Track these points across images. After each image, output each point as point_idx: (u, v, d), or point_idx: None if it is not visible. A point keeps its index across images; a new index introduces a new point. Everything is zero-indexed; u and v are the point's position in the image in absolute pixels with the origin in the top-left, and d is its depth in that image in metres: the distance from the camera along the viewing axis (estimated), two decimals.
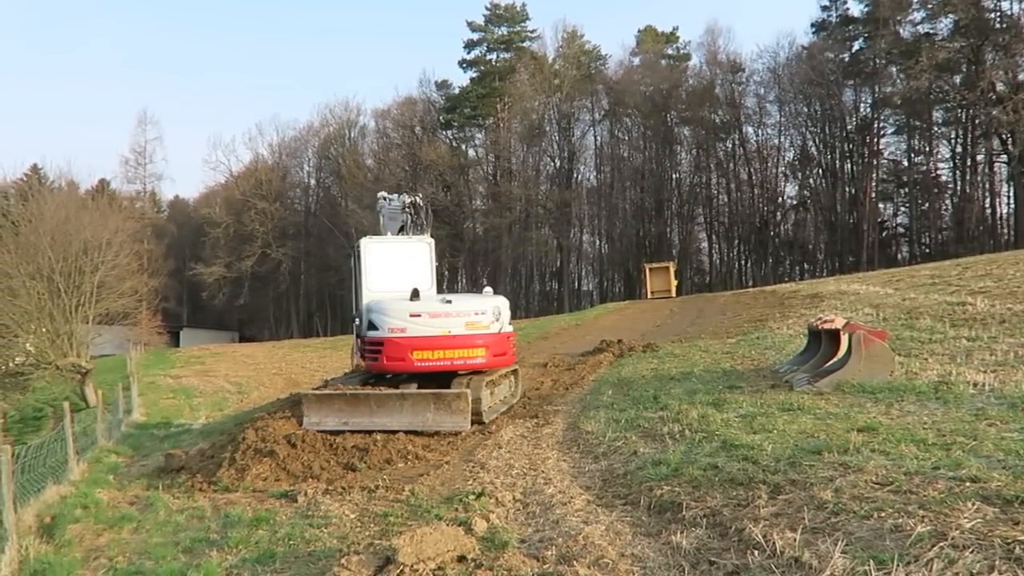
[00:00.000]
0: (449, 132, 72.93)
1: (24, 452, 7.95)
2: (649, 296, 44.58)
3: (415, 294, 10.85)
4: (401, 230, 13.04)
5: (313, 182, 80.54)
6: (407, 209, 12.73)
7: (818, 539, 4.56)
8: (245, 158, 78.26)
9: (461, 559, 5.19)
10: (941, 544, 4.04)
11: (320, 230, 70.16)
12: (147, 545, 6.58)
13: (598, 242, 71.65)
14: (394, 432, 9.65)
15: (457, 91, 72.07)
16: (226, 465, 8.69)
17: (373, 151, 73.97)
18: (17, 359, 24.79)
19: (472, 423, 10.02)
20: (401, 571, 4.91)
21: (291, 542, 6.16)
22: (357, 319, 11.75)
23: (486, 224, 66.39)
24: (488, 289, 12.45)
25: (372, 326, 10.91)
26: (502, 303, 11.36)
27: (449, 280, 72.44)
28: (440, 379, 10.77)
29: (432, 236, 12.66)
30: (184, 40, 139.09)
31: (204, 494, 7.98)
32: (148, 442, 13.76)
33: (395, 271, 11.72)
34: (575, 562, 4.94)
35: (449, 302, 10.81)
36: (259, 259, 67.37)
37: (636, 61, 69.47)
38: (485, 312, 10.88)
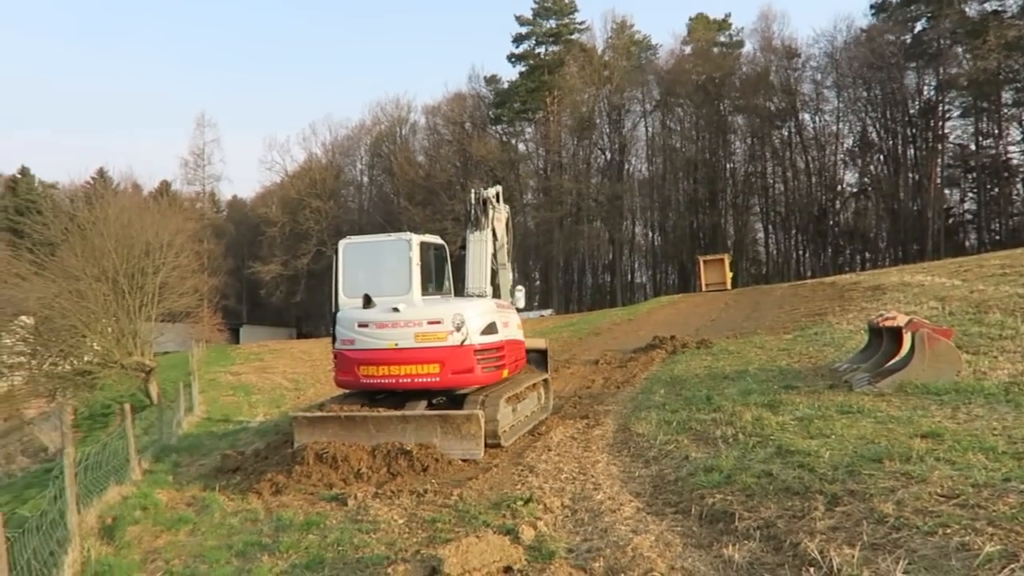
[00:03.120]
0: (499, 127, 72.95)
1: (86, 455, 8.18)
2: (703, 289, 43.96)
3: (367, 301, 9.60)
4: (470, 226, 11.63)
5: (366, 180, 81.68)
6: (471, 203, 11.50)
7: (878, 556, 4.36)
8: (299, 158, 79.83)
9: (507, 570, 5.14)
10: (1012, 566, 3.82)
11: (373, 227, 70.91)
12: (202, 548, 6.70)
13: (651, 234, 70.94)
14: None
15: (506, 86, 71.99)
16: (279, 468, 8.78)
17: (424, 148, 74.50)
18: (85, 358, 25.66)
19: (488, 447, 8.96)
20: None
21: (340, 548, 6.19)
22: (332, 328, 10.33)
23: (537, 218, 66.27)
24: (520, 288, 11.59)
25: (334, 337, 9.96)
26: (473, 309, 9.73)
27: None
28: (454, 396, 9.78)
29: (485, 231, 11.23)
30: (238, 43, 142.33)
31: (258, 496, 8.09)
32: (207, 440, 14.06)
33: (373, 275, 10.13)
34: (623, 575, 4.84)
35: (397, 310, 9.40)
36: (314, 257, 68.45)
37: (687, 50, 68.38)
38: (441, 321, 9.32)
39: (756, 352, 15.35)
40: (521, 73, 71.66)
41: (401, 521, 6.78)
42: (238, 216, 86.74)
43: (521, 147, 73.59)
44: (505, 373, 10.12)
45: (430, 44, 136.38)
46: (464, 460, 8.62)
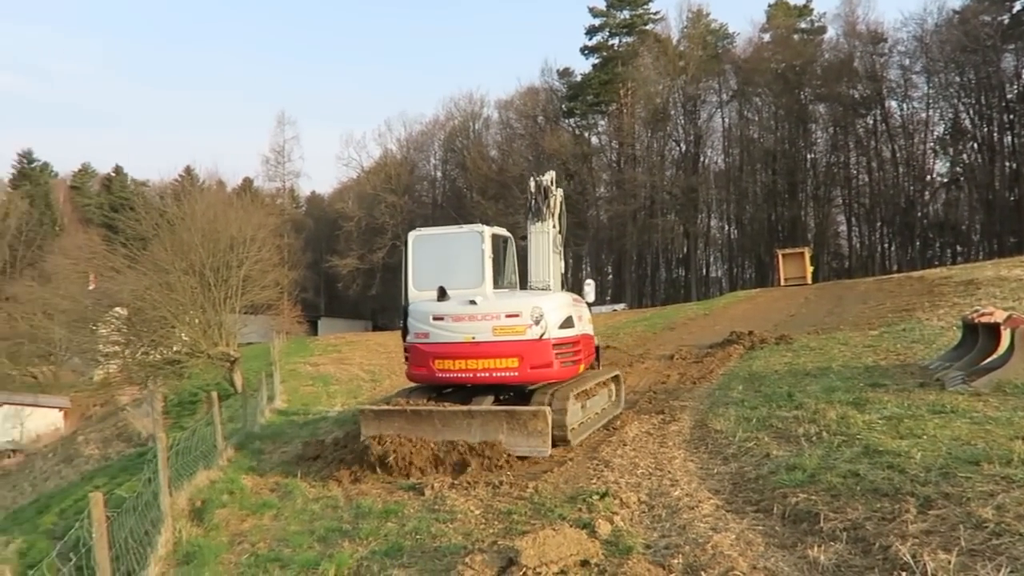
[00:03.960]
0: (572, 120, 72.57)
1: (177, 440, 8.54)
2: (782, 283, 42.76)
3: (442, 294, 9.46)
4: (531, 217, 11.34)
5: (439, 175, 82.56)
6: (531, 193, 11.17)
7: (976, 563, 4.16)
8: (375, 154, 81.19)
9: (584, 564, 5.11)
10: None
11: (447, 222, 71.63)
12: (285, 532, 6.91)
13: (727, 227, 69.39)
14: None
15: (579, 78, 71.52)
16: (357, 456, 8.93)
17: (497, 142, 74.80)
18: (174, 348, 26.83)
19: (557, 444, 8.73)
20: (524, 574, 4.89)
21: (418, 536, 6.29)
22: (403, 322, 10.20)
23: (610, 212, 65.68)
24: (590, 282, 11.07)
25: (406, 330, 9.83)
26: (550, 302, 9.50)
27: (573, 269, 72.37)
28: (522, 390, 9.53)
29: (547, 222, 10.90)
30: (316, 43, 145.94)
31: (338, 484, 8.28)
32: (288, 428, 14.47)
33: (444, 267, 9.85)
34: (703, 573, 4.75)
35: (474, 303, 9.20)
36: (389, 251, 69.63)
37: (766, 37, 66.44)
38: (519, 314, 9.10)
39: (839, 348, 14.83)
40: (594, 65, 71.09)
41: (477, 512, 6.84)
42: (316, 211, 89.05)
43: (594, 140, 73.06)
44: (581, 368, 9.97)
45: (503, 39, 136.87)
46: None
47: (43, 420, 36.23)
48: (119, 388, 32.35)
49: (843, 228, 65.28)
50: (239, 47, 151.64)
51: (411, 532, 6.40)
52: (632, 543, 5.45)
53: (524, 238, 11.07)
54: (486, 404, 9.08)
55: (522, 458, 8.49)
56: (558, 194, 11.33)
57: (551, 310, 9.29)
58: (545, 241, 10.90)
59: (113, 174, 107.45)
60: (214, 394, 11.06)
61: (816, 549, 4.92)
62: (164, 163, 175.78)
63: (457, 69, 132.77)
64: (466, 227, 10.29)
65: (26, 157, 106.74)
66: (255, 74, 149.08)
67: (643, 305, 58.66)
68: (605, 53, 70.44)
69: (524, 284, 10.95)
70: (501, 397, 9.83)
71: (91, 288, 35.22)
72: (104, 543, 5.02)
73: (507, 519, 6.54)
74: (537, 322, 9.06)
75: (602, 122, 72.52)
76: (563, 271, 11.99)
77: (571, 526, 5.60)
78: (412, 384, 10.39)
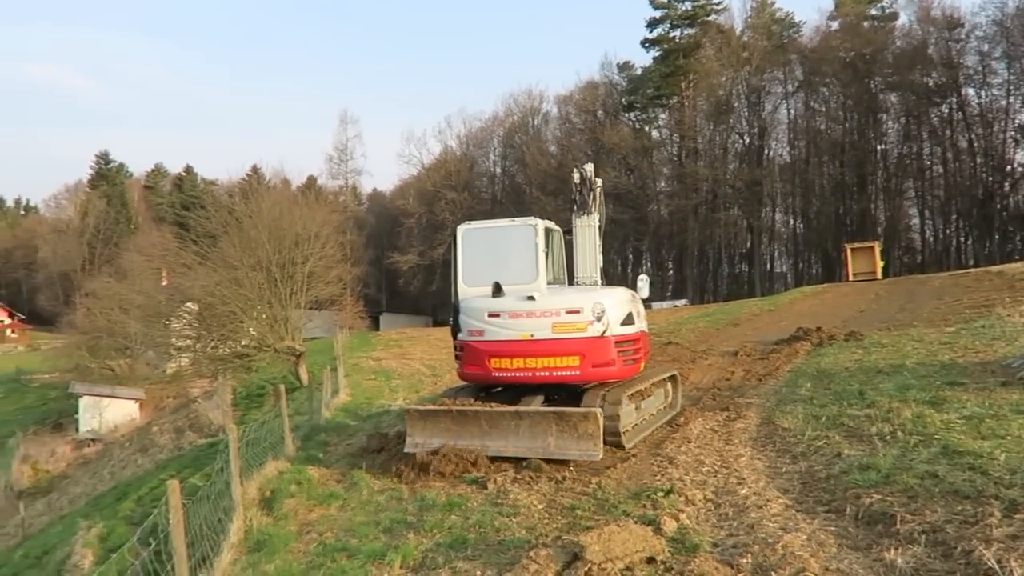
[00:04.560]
0: (632, 114, 71.90)
1: (247, 432, 8.77)
2: (851, 278, 41.55)
3: (497, 289, 9.01)
4: (574, 209, 10.86)
5: (499, 171, 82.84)
6: (575, 186, 10.78)
7: None
8: (435, 150, 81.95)
9: (650, 560, 5.05)
10: None
11: (505, 217, 71.88)
12: (352, 523, 7.03)
13: (792, 221, 67.77)
14: (502, 464, 8.20)
15: (639, 72, 70.81)
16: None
17: (556, 137, 74.61)
18: (243, 342, 27.61)
19: (609, 446, 8.31)
20: (589, 569, 4.86)
21: (482, 529, 6.32)
22: (452, 319, 9.80)
23: (671, 206, 64.86)
24: (644, 277, 10.34)
25: (458, 327, 9.45)
26: (611, 298, 9.08)
27: (632, 264, 71.73)
28: (574, 390, 9.06)
29: (593, 215, 10.52)
30: (377, 42, 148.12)
31: (401, 477, 8.36)
32: (352, 421, 14.72)
33: (495, 261, 9.44)
34: (773, 573, 4.64)
35: (532, 298, 8.84)
36: (449, 247, 70.33)
37: (834, 26, 64.48)
38: (580, 311, 8.71)
39: (913, 345, 14.30)
40: (655, 58, 70.23)
41: (540, 507, 6.83)
42: (378, 208, 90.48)
43: (654, 134, 72.25)
44: (641, 367, 9.67)
45: (563, 34, 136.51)
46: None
47: (120, 411, 37.70)
48: (190, 381, 33.55)
49: (915, 221, 63.02)
50: (303, 49, 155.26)
51: (475, 525, 6.43)
52: (699, 541, 5.36)
53: (568, 232, 10.69)
54: (535, 405, 8.73)
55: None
56: (599, 186, 10.96)
57: (612, 306, 8.92)
58: (592, 235, 10.53)
59: (184, 174, 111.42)
60: (282, 387, 11.32)
61: (893, 552, 4.74)
62: (232, 162, 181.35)
63: (516, 65, 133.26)
64: (518, 220, 9.87)
65: (103, 158, 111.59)
66: (319, 74, 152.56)
67: (705, 301, 57.75)
68: (666, 45, 69.47)
69: (570, 280, 10.61)
70: (552, 398, 9.39)
71: (164, 284, 36.58)
72: (181, 529, 5.18)
73: (570, 514, 6.51)
74: (599, 318, 8.69)
75: (663, 115, 71.70)
76: (602, 266, 11.53)
77: (636, 522, 5.53)
78: (461, 383, 10.13)
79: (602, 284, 10.48)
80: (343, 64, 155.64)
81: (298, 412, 17.53)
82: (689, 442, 8.79)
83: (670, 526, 5.67)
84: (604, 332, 8.70)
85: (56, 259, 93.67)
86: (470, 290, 9.53)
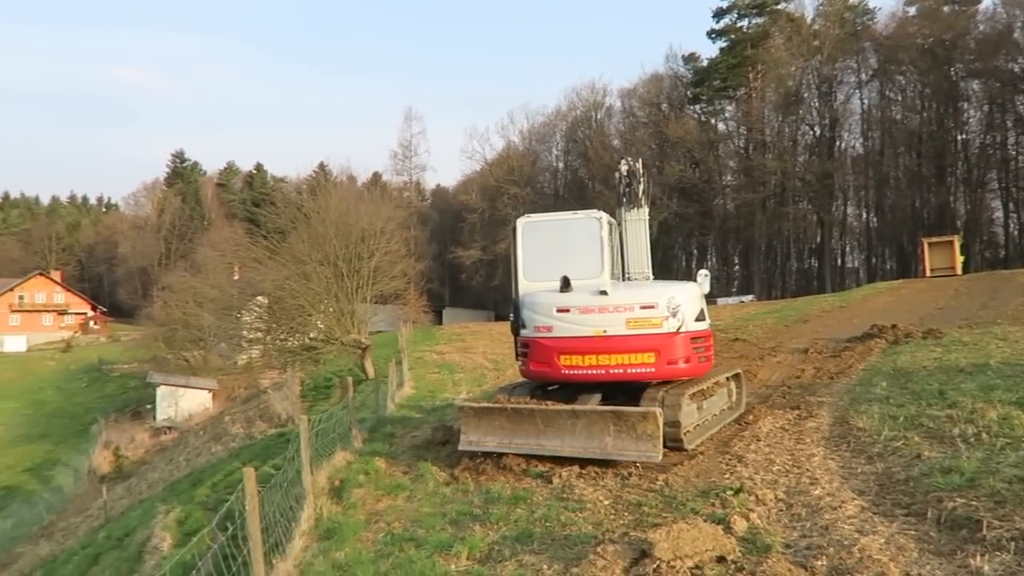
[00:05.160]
0: (697, 106, 70.66)
1: (316, 422, 8.95)
2: (928, 274, 39.97)
3: (565, 284, 8.71)
4: (622, 203, 10.56)
5: (561, 165, 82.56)
6: (622, 178, 10.46)
7: None
8: (498, 146, 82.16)
9: (720, 560, 4.96)
10: None
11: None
12: (419, 514, 7.11)
13: (865, 215, 65.59)
14: (566, 459, 7.96)
15: (705, 63, 69.39)
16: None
17: (619, 131, 73.93)
18: (310, 335, 28.28)
19: (669, 448, 7.96)
20: (657, 566, 4.79)
21: (547, 524, 6.30)
22: (513, 314, 9.52)
23: (738, 200, 63.50)
24: (704, 272, 9.87)
25: (522, 323, 9.12)
26: (685, 292, 8.79)
27: (698, 259, 70.60)
28: (633, 388, 8.68)
29: (643, 208, 10.24)
30: (440, 38, 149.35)
31: (467, 469, 8.41)
32: (417, 414, 14.91)
33: (558, 255, 9.22)
34: None
35: (605, 293, 8.52)
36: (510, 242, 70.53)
37: (911, 11, 61.99)
38: (655, 305, 8.39)
39: (997, 344, 13.66)
40: (721, 49, 68.78)
41: (606, 502, 6.78)
42: (441, 204, 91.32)
43: (720, 126, 70.90)
44: (712, 364, 9.37)
45: (626, 27, 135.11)
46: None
47: (194, 400, 39.15)
48: (260, 372, 34.56)
49: (998, 214, 60.17)
50: (368, 47, 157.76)
51: (540, 519, 6.42)
52: (771, 541, 5.23)
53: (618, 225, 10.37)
54: (592, 404, 8.40)
55: None
56: (646, 178, 10.67)
57: (686, 301, 8.62)
58: (642, 229, 10.25)
59: (255, 171, 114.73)
60: (349, 379, 11.55)
61: (979, 559, 4.54)
62: (300, 160, 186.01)
63: (580, 59, 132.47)
64: (581, 213, 9.69)
65: (179, 157, 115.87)
66: (384, 72, 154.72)
67: (772, 297, 56.45)
68: (733, 36, 67.96)
69: (622, 276, 10.30)
70: (609, 397, 9.01)
71: (236, 278, 37.78)
72: (256, 515, 5.32)
73: (637, 511, 6.44)
74: (674, 314, 8.39)
75: (729, 107, 70.23)
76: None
77: (705, 521, 5.42)
78: (518, 380, 9.90)
79: (702, 279, 10.07)
80: (408, 62, 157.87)
81: (364, 404, 17.85)
82: (758, 440, 8.58)
83: (740, 525, 5.55)
84: (679, 328, 8.42)
85: (135, 254, 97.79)
86: (531, 285, 9.35)
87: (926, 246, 41.94)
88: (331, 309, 27.34)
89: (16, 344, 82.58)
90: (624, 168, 10.47)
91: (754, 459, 7.76)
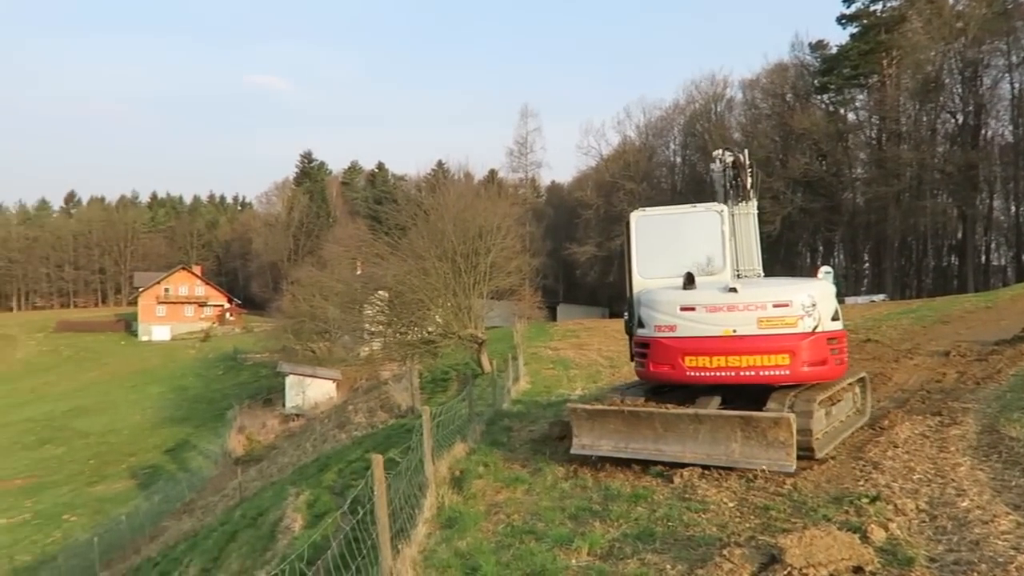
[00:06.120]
0: (825, 96, 67.31)
1: (437, 413, 9.16)
2: None
3: (689, 280, 8.30)
4: (728, 196, 10.06)
5: (679, 160, 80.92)
6: (727, 170, 9.95)
7: None
8: (614, 141, 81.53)
9: (857, 570, 4.71)
10: None
11: None
12: (538, 507, 7.14)
13: (1014, 209, 60.38)
14: (685, 466, 7.57)
15: (835, 51, 65.93)
16: None
17: (740, 124, 71.60)
18: (429, 329, 29.03)
19: (799, 457, 7.30)
20: (789, 573, 4.62)
21: (669, 523, 6.18)
22: (627, 312, 9.10)
23: (868, 194, 60.04)
24: (827, 269, 9.25)
25: (640, 322, 8.66)
26: (820, 290, 8.21)
27: (824, 255, 67.40)
28: (755, 392, 8.15)
29: (752, 202, 9.83)
30: (557, 33, 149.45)
31: (585, 465, 8.37)
32: (533, 409, 14.98)
33: (675, 251, 8.81)
34: None
35: (734, 290, 8.01)
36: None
37: None
38: (789, 304, 7.85)
39: None
40: (852, 35, 65.10)
41: (731, 504, 6.57)
42: (556, 200, 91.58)
43: (850, 116, 67.17)
44: (847, 367, 8.75)
45: (749, 17, 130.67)
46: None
47: (320, 390, 41.02)
48: (381, 364, 35.76)
49: None
50: (485, 45, 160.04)
51: (662, 518, 6.30)
52: (913, 554, 4.91)
53: None
54: (712, 407, 7.93)
55: None
56: (754, 169, 10.12)
57: (821, 300, 8.07)
58: (752, 223, 9.79)
59: (376, 170, 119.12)
60: (468, 373, 11.74)
61: None
62: (420, 158, 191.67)
63: (698, 52, 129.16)
64: (700, 206, 9.21)
65: (307, 157, 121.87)
66: (501, 70, 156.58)
67: (906, 296, 53.15)
68: (866, 20, 64.21)
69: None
70: (728, 401, 8.50)
71: (359, 273, 39.30)
72: (384, 501, 5.49)
73: (764, 515, 6.21)
74: (809, 313, 7.85)
75: (860, 96, 66.45)
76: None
77: (839, 529, 5.16)
78: (632, 380, 9.52)
79: (825, 276, 9.51)
80: (524, 59, 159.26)
81: (480, 398, 18.12)
82: (896, 447, 8.07)
83: (878, 535, 5.25)
84: (816, 328, 7.88)
85: (267, 250, 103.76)
86: (645, 282, 8.99)
87: None
88: (449, 304, 27.91)
89: (162, 333, 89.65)
90: (729, 159, 9.99)
91: (891, 466, 7.31)
